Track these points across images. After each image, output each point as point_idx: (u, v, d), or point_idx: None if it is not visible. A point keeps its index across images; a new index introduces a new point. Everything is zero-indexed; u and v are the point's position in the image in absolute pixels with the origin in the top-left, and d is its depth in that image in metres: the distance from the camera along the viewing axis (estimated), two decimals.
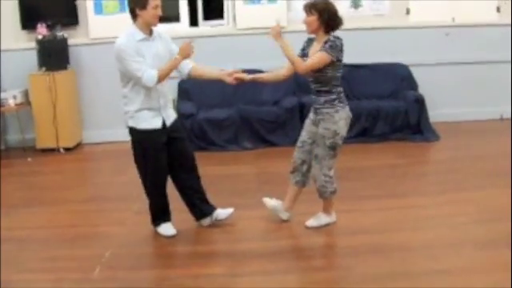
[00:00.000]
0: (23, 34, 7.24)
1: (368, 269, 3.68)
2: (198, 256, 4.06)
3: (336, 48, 4.01)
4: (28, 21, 7.13)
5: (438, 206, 4.72)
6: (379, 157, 6.30)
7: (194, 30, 7.58)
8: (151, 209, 4.36)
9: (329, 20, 4.03)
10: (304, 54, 4.20)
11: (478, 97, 7.52)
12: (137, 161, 4.22)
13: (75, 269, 3.87)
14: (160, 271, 3.92)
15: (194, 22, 7.69)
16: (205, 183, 4.44)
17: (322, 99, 4.12)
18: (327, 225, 4.36)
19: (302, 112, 6.56)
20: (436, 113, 7.15)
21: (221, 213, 4.46)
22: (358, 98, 7.10)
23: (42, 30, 6.94)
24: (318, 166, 4.19)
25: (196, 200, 4.40)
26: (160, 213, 4.36)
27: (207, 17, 7.70)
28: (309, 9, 4.04)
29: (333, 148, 4.14)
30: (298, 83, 6.69)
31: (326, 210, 4.37)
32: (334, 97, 4.11)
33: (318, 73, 4.05)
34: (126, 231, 4.51)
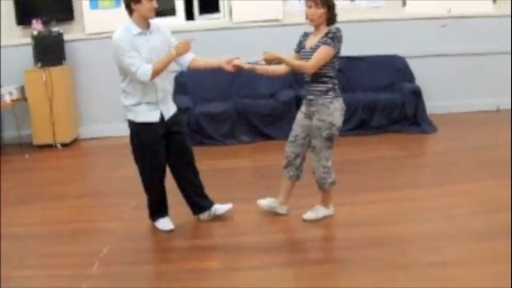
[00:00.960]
0: (18, 29, 7.22)
1: (366, 261, 3.68)
2: (196, 250, 4.06)
3: (338, 39, 4.02)
4: (23, 16, 7.12)
5: (435, 197, 4.72)
6: (376, 149, 6.29)
7: (190, 24, 7.57)
8: (149, 203, 4.36)
9: (333, 13, 4.04)
10: (301, 48, 4.19)
11: (475, 88, 7.52)
12: (135, 154, 4.22)
13: (73, 265, 3.87)
14: (158, 266, 3.92)
15: (189, 15, 7.68)
16: (202, 177, 4.43)
17: (317, 90, 4.11)
18: (325, 217, 4.36)
19: (298, 105, 6.43)
20: (433, 104, 7.15)
21: (219, 208, 4.46)
22: (355, 91, 7.08)
23: (37, 26, 6.92)
24: (316, 157, 4.19)
25: (194, 194, 4.40)
26: (158, 207, 4.36)
27: (203, 10, 7.68)
28: (319, 2, 4.01)
29: (329, 139, 4.14)
30: (294, 76, 6.66)
31: (325, 203, 4.37)
32: (329, 88, 4.10)
33: None
34: (124, 226, 4.51)
